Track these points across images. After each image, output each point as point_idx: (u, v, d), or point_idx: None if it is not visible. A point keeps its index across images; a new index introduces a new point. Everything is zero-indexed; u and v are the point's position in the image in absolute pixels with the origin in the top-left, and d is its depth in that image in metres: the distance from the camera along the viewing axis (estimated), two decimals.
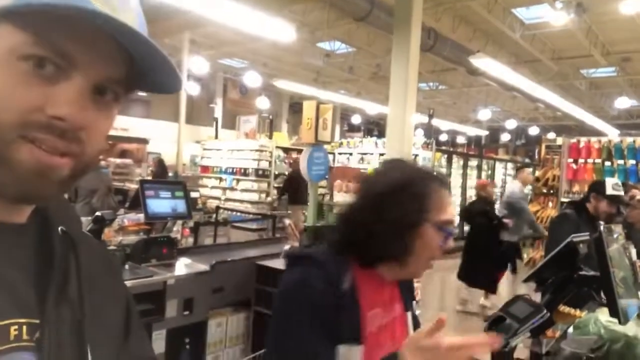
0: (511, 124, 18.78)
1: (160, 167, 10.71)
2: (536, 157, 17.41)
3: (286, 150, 12.11)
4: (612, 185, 3.23)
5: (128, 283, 2.49)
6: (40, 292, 0.55)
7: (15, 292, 0.52)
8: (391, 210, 1.04)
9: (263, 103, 15.01)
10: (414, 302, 1.26)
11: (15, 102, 0.48)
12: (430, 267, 1.12)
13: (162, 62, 0.53)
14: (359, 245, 1.07)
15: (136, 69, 0.54)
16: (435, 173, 1.15)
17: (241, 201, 11.58)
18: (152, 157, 11.87)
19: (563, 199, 7.39)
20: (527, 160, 17.07)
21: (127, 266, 2.74)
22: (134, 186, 6.78)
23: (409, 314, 1.20)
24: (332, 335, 0.99)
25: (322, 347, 0.98)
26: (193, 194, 4.66)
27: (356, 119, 19.12)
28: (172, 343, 2.72)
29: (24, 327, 0.52)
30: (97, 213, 2.78)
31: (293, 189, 8.97)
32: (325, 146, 4.86)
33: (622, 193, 3.20)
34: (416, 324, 1.25)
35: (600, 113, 16.07)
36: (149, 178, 9.70)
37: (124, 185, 7.59)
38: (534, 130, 19.83)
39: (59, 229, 0.60)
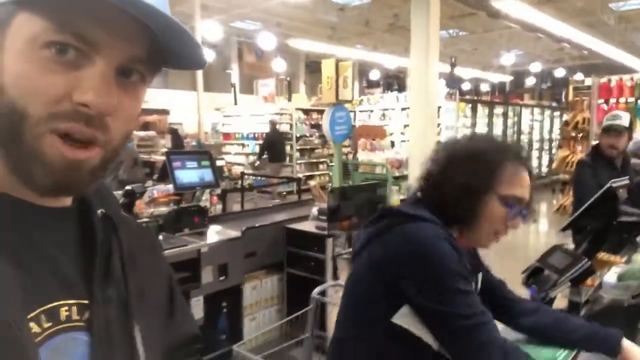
0: (536, 67, 18.11)
1: (175, 137, 10.77)
2: (563, 100, 16.86)
3: (306, 111, 12.01)
4: (607, 117, 3.20)
5: (164, 253, 2.57)
6: (85, 274, 0.56)
7: (62, 274, 0.54)
8: (461, 174, 1.09)
9: (279, 65, 14.80)
10: (481, 273, 1.29)
11: (42, 93, 0.47)
12: (495, 240, 1.14)
13: (184, 39, 0.52)
14: (436, 206, 1.11)
15: (159, 47, 0.53)
16: (515, 148, 1.15)
17: None
18: (175, 128, 11.93)
19: (594, 143, 7.18)
20: (554, 104, 16.53)
21: (161, 237, 2.80)
22: (159, 158, 6.86)
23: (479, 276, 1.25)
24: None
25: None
26: (219, 162, 4.69)
27: (374, 75, 18.71)
28: (210, 308, 2.81)
29: (74, 308, 0.53)
30: (127, 187, 2.83)
31: (270, 148, 9.65)
32: (346, 105, 4.79)
33: (615, 122, 3.02)
34: (491, 288, 1.29)
35: (631, 49, 15.31)
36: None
37: (150, 157, 7.68)
38: (560, 72, 19.07)
39: (99, 211, 0.61)
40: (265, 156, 9.73)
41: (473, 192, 1.07)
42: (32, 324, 0.48)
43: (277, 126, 10.70)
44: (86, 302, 0.55)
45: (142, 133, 11.28)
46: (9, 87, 0.47)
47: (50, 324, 0.50)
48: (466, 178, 1.08)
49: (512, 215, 1.09)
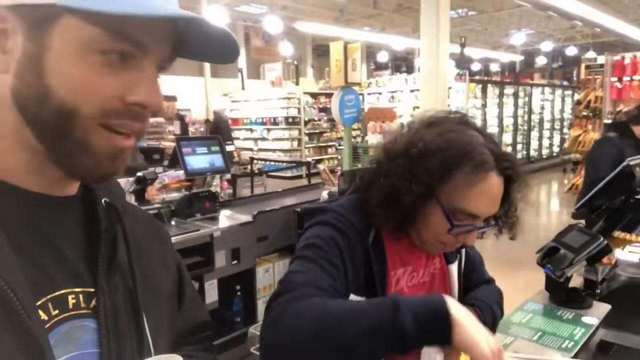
0: (547, 46, 17.79)
1: (182, 123, 10.84)
2: (575, 79, 16.58)
3: (314, 95, 11.95)
4: None
5: (177, 238, 2.58)
6: (90, 262, 0.56)
7: (68, 263, 0.54)
8: (403, 176, 0.91)
9: (286, 49, 14.68)
10: (464, 249, 1.16)
11: (95, 94, 0.50)
12: (439, 251, 1.01)
13: (221, 37, 0.55)
14: (380, 208, 0.95)
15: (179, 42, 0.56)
16: (480, 154, 0.90)
17: (274, 150, 11.64)
18: (182, 114, 11.95)
19: (606, 121, 7.07)
20: (565, 83, 16.28)
21: (173, 222, 2.83)
22: (168, 144, 6.88)
23: (452, 267, 1.11)
24: (354, 279, 0.93)
25: (331, 275, 0.88)
26: (228, 148, 4.69)
27: (382, 57, 18.50)
28: (224, 291, 2.84)
29: (81, 296, 0.54)
30: (139, 173, 2.85)
31: (214, 131, 9.90)
32: (355, 87, 4.75)
33: None
34: (468, 266, 1.18)
35: None
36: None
37: (159, 144, 7.71)
38: (571, 51, 18.72)
39: (103, 200, 0.61)
40: None
41: (411, 194, 0.90)
42: (40, 312, 0.49)
43: (286, 111, 10.69)
44: (92, 290, 0.55)
45: (151, 120, 11.30)
46: (58, 88, 0.49)
47: (57, 312, 0.51)
48: (407, 176, 0.90)
49: (456, 232, 0.92)
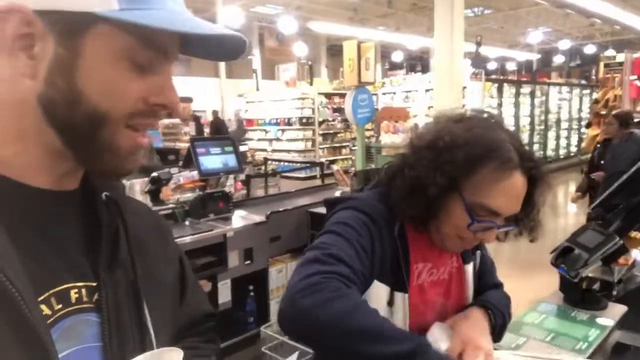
0: (564, 44, 17.54)
1: (197, 124, 10.95)
2: (593, 77, 16.29)
3: (328, 95, 11.95)
4: None
5: (190, 238, 2.60)
6: (92, 256, 0.57)
7: (70, 257, 0.55)
8: (428, 169, 0.91)
9: (301, 49, 14.71)
10: (479, 251, 1.15)
11: (125, 98, 0.52)
12: (463, 247, 0.99)
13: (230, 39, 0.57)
14: (402, 205, 0.95)
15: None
16: (506, 151, 0.90)
17: (288, 151, 11.67)
18: (198, 115, 12.06)
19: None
20: (583, 81, 16.01)
21: (187, 222, 2.85)
22: (184, 145, 6.94)
23: (468, 267, 1.10)
24: (380, 265, 0.93)
25: (360, 254, 0.89)
26: (242, 148, 4.72)
27: (397, 56, 18.42)
28: (237, 291, 2.85)
29: (83, 290, 0.54)
30: (154, 174, 2.88)
31: (215, 132, 10.32)
32: (368, 87, 4.73)
33: None
34: (480, 269, 1.16)
35: None
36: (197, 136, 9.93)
37: (175, 145, 7.78)
38: (589, 49, 18.43)
39: (103, 194, 0.62)
40: None
41: (436, 188, 0.90)
42: (42, 306, 0.49)
43: (300, 112, 10.69)
44: (94, 284, 0.55)
45: (166, 121, 11.42)
46: (91, 93, 0.50)
47: (60, 306, 0.51)
48: (432, 167, 0.90)
49: (475, 228, 0.92)
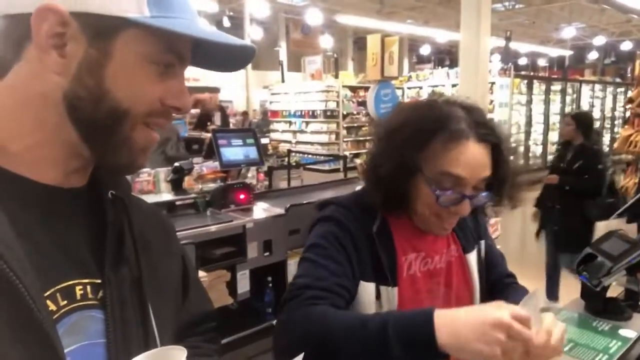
0: (599, 40, 16.99)
1: (223, 115, 10.97)
2: (629, 75, 15.75)
3: (353, 89, 11.88)
4: None
5: (212, 228, 2.63)
6: (97, 254, 0.58)
7: (75, 254, 0.56)
8: (387, 153, 0.96)
9: (327, 41, 14.65)
10: (483, 241, 1.16)
11: (145, 97, 0.56)
12: (445, 226, 0.98)
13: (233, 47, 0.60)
14: (375, 191, 1.00)
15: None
16: (459, 124, 0.93)
17: (312, 143, 11.67)
18: (224, 105, 12.14)
19: None
20: (617, 79, 15.50)
21: (208, 212, 2.88)
22: (209, 135, 7.01)
23: (471, 256, 1.11)
24: (360, 267, 0.97)
25: (342, 265, 0.95)
26: (263, 140, 4.75)
27: (425, 50, 18.18)
28: (255, 282, 2.88)
29: (88, 287, 0.55)
30: (176, 163, 2.92)
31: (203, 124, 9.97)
32: (393, 81, 4.67)
33: None
34: (490, 261, 1.17)
35: None
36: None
37: (200, 134, 7.86)
38: (626, 46, 17.79)
39: (110, 192, 0.63)
40: None
41: (402, 173, 0.94)
42: (48, 302, 0.50)
43: (324, 104, 10.64)
44: (99, 281, 0.57)
45: (193, 110, 11.55)
46: (116, 91, 0.54)
47: (66, 302, 0.53)
48: (390, 152, 0.95)
49: (442, 199, 0.92)
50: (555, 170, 3.90)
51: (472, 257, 1.11)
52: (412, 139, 0.93)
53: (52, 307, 0.51)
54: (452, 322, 0.75)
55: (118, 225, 0.61)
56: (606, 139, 13.18)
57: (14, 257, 0.47)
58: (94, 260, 0.57)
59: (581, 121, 3.80)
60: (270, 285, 2.99)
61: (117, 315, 0.56)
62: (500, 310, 0.73)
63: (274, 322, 2.16)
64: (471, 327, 0.73)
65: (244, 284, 2.85)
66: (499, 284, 1.17)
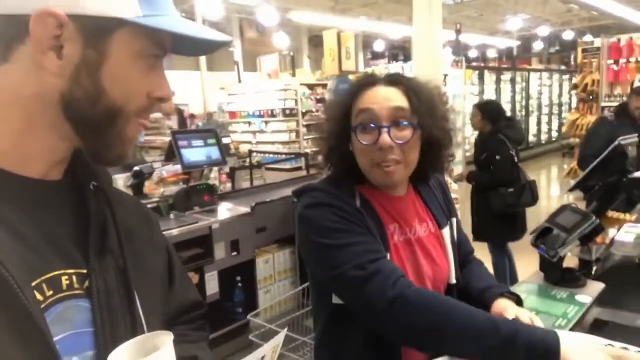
0: (543, 30, 17.68)
1: (181, 118, 10.79)
2: (572, 63, 16.51)
3: (311, 86, 11.91)
4: None
5: (176, 231, 2.60)
6: (81, 244, 0.58)
7: (59, 245, 0.56)
8: (329, 126, 1.08)
9: (282, 40, 14.60)
10: (455, 219, 1.22)
11: (138, 94, 0.58)
12: (383, 172, 1.01)
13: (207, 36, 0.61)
14: (333, 164, 1.09)
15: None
16: (370, 77, 1.08)
17: (272, 143, 11.63)
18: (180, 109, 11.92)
19: (604, 104, 7.05)
20: (562, 67, 16.22)
21: (172, 215, 2.84)
22: (166, 139, 6.87)
23: (444, 231, 1.15)
24: (366, 231, 1.01)
25: (361, 233, 0.99)
26: (225, 140, 4.70)
27: (379, 46, 18.39)
28: (224, 282, 2.86)
29: (74, 277, 0.56)
30: (136, 167, 2.86)
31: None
32: (350, 76, 4.72)
33: None
34: (459, 238, 1.23)
35: None
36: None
37: (156, 139, 7.69)
38: (568, 35, 18.60)
39: (91, 184, 0.63)
40: None
41: (340, 138, 1.05)
42: (35, 292, 0.51)
43: (283, 103, 10.58)
44: (84, 271, 0.57)
45: (151, 116, 11.28)
46: (112, 90, 0.55)
47: (52, 292, 0.53)
48: (330, 128, 1.07)
49: (361, 136, 1.01)
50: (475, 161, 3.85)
51: (446, 233, 1.16)
52: (341, 103, 1.07)
53: (39, 297, 0.51)
54: (573, 346, 0.81)
55: (101, 216, 0.62)
56: (555, 124, 13.78)
57: (2, 249, 0.47)
58: (79, 251, 0.58)
59: (485, 110, 3.72)
60: (239, 285, 2.99)
61: (103, 304, 0.57)
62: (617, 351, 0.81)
63: (247, 320, 2.16)
64: (590, 353, 0.80)
65: (212, 285, 2.83)
66: (463, 261, 1.25)
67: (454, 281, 1.14)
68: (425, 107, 1.03)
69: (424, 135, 1.03)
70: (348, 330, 1.04)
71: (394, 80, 1.05)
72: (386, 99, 1.02)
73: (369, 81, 1.06)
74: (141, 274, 0.63)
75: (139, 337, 0.54)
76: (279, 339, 0.61)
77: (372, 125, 1.00)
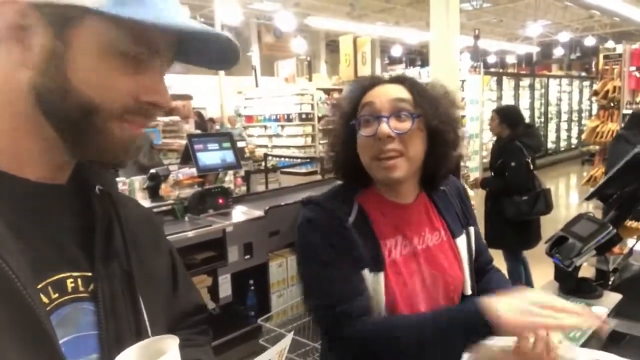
0: (564, 36, 17.46)
1: (201, 121, 10.89)
2: (593, 69, 16.25)
3: (327, 91, 11.94)
4: None
5: (190, 233, 2.62)
6: (86, 248, 0.58)
7: (64, 248, 0.56)
8: (335, 129, 1.08)
9: (299, 45, 14.67)
10: (473, 228, 1.17)
11: (114, 92, 0.54)
12: (384, 167, 0.99)
13: (219, 41, 0.58)
14: (340, 168, 1.10)
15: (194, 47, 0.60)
16: (376, 78, 1.09)
17: (288, 147, 11.68)
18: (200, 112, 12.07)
19: (625, 111, 6.92)
20: (583, 74, 15.98)
21: (186, 218, 2.86)
22: (184, 142, 6.94)
23: (458, 241, 1.12)
24: (350, 260, 1.00)
25: (342, 268, 0.99)
26: (240, 144, 4.73)
27: (396, 51, 18.36)
28: (238, 285, 2.87)
29: (79, 280, 0.56)
30: (152, 170, 2.89)
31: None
32: None
33: None
34: (478, 248, 1.19)
35: None
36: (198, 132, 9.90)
37: (175, 142, 7.78)
38: (589, 41, 18.33)
39: (97, 188, 0.63)
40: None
41: (346, 138, 1.05)
42: (41, 295, 0.51)
43: (299, 107, 10.68)
44: (89, 274, 0.57)
45: (166, 119, 11.43)
46: (79, 84, 0.52)
47: (57, 295, 0.53)
48: (337, 131, 1.08)
49: (362, 129, 1.01)
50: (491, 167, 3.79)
51: (461, 243, 1.12)
52: (346, 105, 1.07)
53: (45, 299, 0.51)
54: (503, 306, 0.84)
55: (106, 220, 0.61)
56: (574, 131, 13.57)
57: (6, 250, 0.47)
58: (85, 254, 0.57)
59: (504, 115, 3.66)
60: (252, 288, 2.99)
61: (108, 308, 0.57)
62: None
63: (260, 324, 2.16)
64: (518, 306, 0.83)
65: (225, 288, 2.84)
66: (482, 271, 1.21)
67: (469, 292, 1.11)
68: (428, 100, 1.02)
69: (427, 128, 1.01)
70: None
71: (397, 78, 1.07)
72: (387, 93, 1.03)
73: (373, 81, 1.07)
74: (146, 278, 0.63)
75: (145, 341, 0.54)
76: (285, 342, 0.60)
77: (372, 116, 1.00)
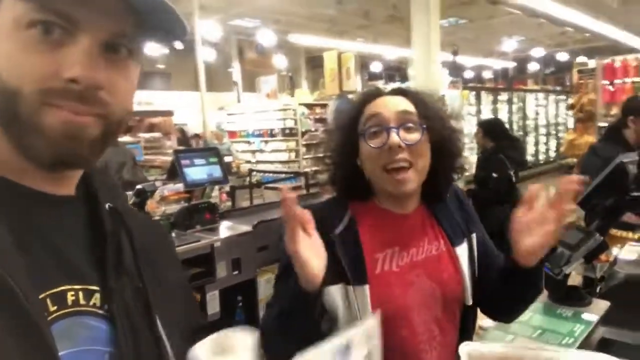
0: (538, 52, 17.97)
1: (184, 137, 10.84)
2: (567, 83, 16.70)
3: (309, 106, 12.00)
4: None
5: (178, 249, 2.59)
6: (94, 262, 0.57)
7: (67, 260, 0.54)
8: (334, 141, 1.10)
9: (281, 61, 14.77)
10: (475, 235, 1.14)
11: (30, 71, 0.49)
12: (393, 177, 0.99)
13: (164, 11, 0.53)
14: (338, 181, 1.10)
15: (142, 22, 0.54)
16: (376, 89, 1.11)
17: (272, 162, 11.66)
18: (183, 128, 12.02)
19: (600, 124, 7.13)
20: (558, 88, 16.41)
21: (173, 234, 2.83)
22: (166, 158, 6.89)
23: (458, 249, 1.08)
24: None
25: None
26: (227, 158, 4.72)
27: (376, 67, 18.64)
28: (225, 302, 2.83)
29: (80, 293, 0.54)
30: (138, 186, 2.86)
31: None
32: (350, 96, 4.77)
33: None
34: (488, 252, 1.16)
35: (635, 30, 15.12)
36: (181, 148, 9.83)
37: (157, 158, 7.72)
38: (563, 56, 18.88)
39: (107, 205, 0.61)
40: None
41: (350, 149, 1.05)
42: (42, 305, 0.50)
43: (282, 123, 10.72)
44: (93, 287, 0.55)
45: (147, 135, 11.32)
46: (2, 71, 0.49)
47: (56, 308, 0.51)
48: (336, 142, 1.09)
49: (370, 140, 1.01)
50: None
51: (461, 252, 1.10)
52: (347, 116, 1.08)
53: (46, 310, 0.50)
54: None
55: (116, 237, 0.60)
56: (552, 144, 13.87)
57: (8, 260, 0.46)
58: (91, 268, 0.56)
59: (487, 128, 3.77)
60: (241, 304, 2.96)
61: (125, 325, 0.55)
62: None
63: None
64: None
65: (214, 305, 2.80)
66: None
67: (469, 302, 1.07)
68: (433, 112, 1.04)
69: (433, 140, 1.03)
70: None
71: (398, 90, 1.09)
72: (393, 104, 1.04)
73: (375, 93, 1.09)
74: (160, 294, 0.62)
75: (217, 334, 0.54)
76: (370, 324, 0.57)
77: (380, 127, 1.01)
